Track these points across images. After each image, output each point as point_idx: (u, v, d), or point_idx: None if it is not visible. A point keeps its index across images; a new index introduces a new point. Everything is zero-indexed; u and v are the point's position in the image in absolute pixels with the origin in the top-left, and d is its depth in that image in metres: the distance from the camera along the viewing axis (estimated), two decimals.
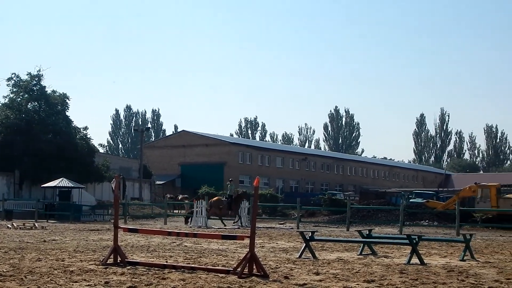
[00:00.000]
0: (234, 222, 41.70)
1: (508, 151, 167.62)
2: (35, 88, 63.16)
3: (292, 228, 38.11)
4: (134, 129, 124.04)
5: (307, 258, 17.64)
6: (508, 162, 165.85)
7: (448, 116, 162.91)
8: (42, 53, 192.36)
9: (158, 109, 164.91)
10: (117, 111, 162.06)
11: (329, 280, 12.78)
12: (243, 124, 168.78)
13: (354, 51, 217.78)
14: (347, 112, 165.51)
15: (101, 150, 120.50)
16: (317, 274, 13.80)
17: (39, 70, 63.30)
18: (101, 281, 11.93)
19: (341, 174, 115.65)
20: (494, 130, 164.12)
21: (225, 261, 16.44)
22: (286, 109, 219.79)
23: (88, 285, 11.43)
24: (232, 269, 13.72)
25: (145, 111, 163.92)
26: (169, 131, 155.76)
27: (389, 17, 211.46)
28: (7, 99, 63.10)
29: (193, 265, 14.82)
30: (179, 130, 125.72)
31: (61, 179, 51.62)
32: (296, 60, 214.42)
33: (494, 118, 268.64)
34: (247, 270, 13.17)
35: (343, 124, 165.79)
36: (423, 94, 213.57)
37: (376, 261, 17.36)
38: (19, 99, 62.97)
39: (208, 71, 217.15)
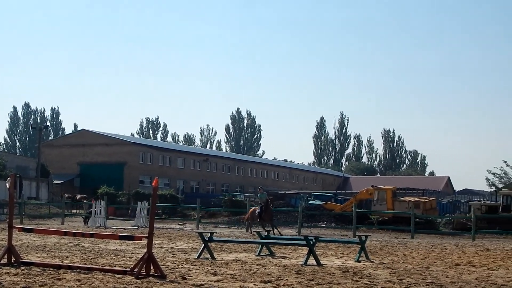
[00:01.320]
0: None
1: (404, 155, 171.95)
2: None
3: (191, 229, 38.09)
4: (32, 127, 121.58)
5: (206, 259, 17.68)
6: (404, 166, 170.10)
7: (348, 120, 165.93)
8: None
9: (58, 107, 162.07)
10: (15, 108, 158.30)
11: (226, 281, 12.85)
12: (144, 124, 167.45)
13: (255, 53, 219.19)
14: (248, 114, 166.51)
15: None
16: (215, 274, 13.85)
17: None
18: None
19: (242, 175, 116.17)
20: (391, 134, 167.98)
21: (123, 262, 16.31)
22: (188, 110, 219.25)
23: None
24: (129, 269, 13.62)
25: (44, 109, 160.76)
26: (68, 130, 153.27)
27: (290, 19, 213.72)
28: None
29: (89, 266, 14.63)
30: (79, 129, 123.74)
31: None
32: (198, 60, 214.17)
33: (391, 123, 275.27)
34: (144, 271, 13.10)
35: (245, 126, 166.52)
36: (323, 97, 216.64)
37: (274, 262, 17.55)
38: None
39: (109, 69, 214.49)
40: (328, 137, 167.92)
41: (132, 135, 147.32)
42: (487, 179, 61.39)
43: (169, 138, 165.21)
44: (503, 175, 59.50)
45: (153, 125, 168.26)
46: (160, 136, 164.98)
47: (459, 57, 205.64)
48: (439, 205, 58.71)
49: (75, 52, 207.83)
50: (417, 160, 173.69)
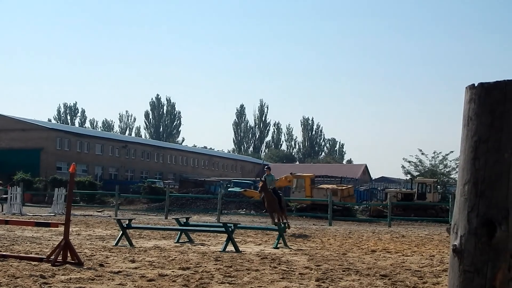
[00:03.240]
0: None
1: (323, 143, 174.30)
2: None
3: (110, 216, 37.75)
4: None
5: (124, 246, 17.59)
6: (323, 153, 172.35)
7: (267, 108, 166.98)
8: None
9: None
10: None
11: (144, 268, 12.81)
12: (62, 110, 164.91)
13: (175, 38, 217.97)
14: (168, 100, 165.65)
15: None
16: (133, 261, 13.80)
17: None
18: None
19: (161, 162, 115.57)
20: (310, 122, 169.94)
21: (39, 249, 16.07)
22: (106, 96, 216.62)
23: None
24: (45, 257, 13.45)
25: None
26: None
27: (213, 2, 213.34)
28: None
29: (4, 253, 14.36)
30: None
31: None
32: (118, 45, 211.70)
33: (310, 111, 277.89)
34: (61, 258, 12.96)
35: (164, 112, 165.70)
36: (243, 85, 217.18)
37: (193, 248, 17.58)
38: None
39: (26, 52, 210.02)
40: (248, 125, 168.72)
41: (49, 120, 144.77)
42: (403, 167, 62.58)
43: (88, 124, 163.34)
44: (419, 163, 60.74)
45: (71, 110, 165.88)
46: (78, 122, 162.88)
47: (376, 42, 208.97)
48: (357, 193, 59.65)
49: (10, 34, 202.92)
50: (335, 148, 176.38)
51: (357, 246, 20.20)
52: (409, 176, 60.00)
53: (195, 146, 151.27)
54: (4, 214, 37.67)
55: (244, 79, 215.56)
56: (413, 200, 46.85)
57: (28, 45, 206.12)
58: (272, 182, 27.00)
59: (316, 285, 11.18)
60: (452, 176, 60.32)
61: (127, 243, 17.91)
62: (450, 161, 60.80)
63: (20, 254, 14.24)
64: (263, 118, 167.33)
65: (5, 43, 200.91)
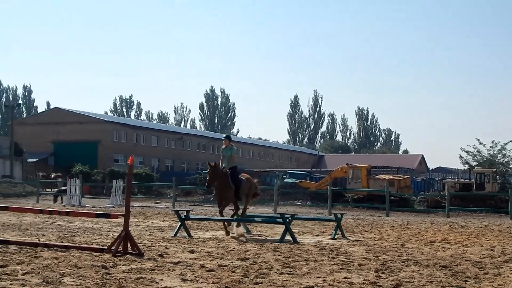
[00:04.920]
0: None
1: (378, 134, 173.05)
2: None
3: (167, 207, 38.07)
4: (5, 105, 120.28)
5: (182, 236, 17.71)
6: (378, 144, 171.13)
7: (321, 98, 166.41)
8: None
9: (30, 85, 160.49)
10: None
11: (203, 258, 12.88)
12: (118, 102, 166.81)
13: (230, 30, 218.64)
14: (222, 92, 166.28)
15: None
16: (192, 252, 13.88)
17: None
18: None
19: (217, 153, 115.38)
20: (365, 112, 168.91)
21: (100, 240, 16.29)
22: (162, 88, 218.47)
23: None
24: (106, 247, 13.62)
25: (16, 87, 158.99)
26: (41, 108, 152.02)
27: None
28: None
29: (66, 244, 14.59)
30: (51, 107, 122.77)
31: None
32: (172, 38, 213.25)
33: (365, 101, 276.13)
34: (121, 249, 13.11)
35: (219, 104, 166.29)
36: (297, 75, 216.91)
37: (251, 239, 17.61)
38: None
39: (82, 47, 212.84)
40: (302, 116, 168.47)
41: (106, 113, 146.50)
42: (461, 157, 61.60)
43: (143, 117, 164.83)
44: (477, 153, 59.70)
45: (127, 103, 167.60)
46: (134, 115, 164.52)
47: (434, 34, 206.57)
48: (414, 183, 59.20)
49: (48, 29, 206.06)
50: (391, 139, 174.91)
51: (415, 237, 20.04)
52: (467, 166, 59.20)
53: (250, 138, 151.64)
54: (64, 205, 38.28)
55: (298, 70, 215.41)
56: (472, 191, 46.29)
57: (84, 39, 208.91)
58: (231, 157, 19.95)
59: (375, 275, 11.12)
60: (511, 165, 59.30)
61: (185, 234, 18.05)
62: (509, 150, 59.83)
63: (81, 245, 14.45)
64: (318, 109, 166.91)
65: (62, 37, 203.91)
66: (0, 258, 11.93)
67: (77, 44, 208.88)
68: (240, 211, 20.17)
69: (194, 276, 10.49)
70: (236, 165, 20.19)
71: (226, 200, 19.54)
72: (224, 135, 21.15)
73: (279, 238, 17.50)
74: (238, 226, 19.37)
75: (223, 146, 20.13)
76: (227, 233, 18.61)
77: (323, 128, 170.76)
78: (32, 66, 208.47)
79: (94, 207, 37.08)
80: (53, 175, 58.47)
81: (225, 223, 19.25)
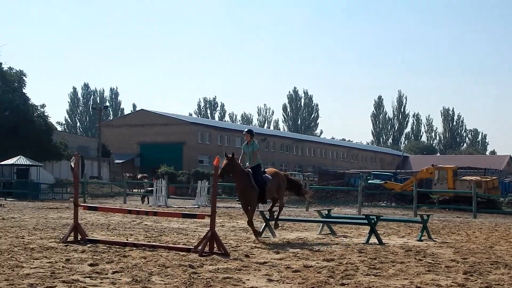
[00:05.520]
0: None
1: (464, 134, 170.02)
2: None
3: None
4: (92, 108, 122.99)
5: (267, 237, 17.75)
6: (465, 144, 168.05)
7: (406, 99, 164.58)
8: None
9: (116, 88, 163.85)
10: (74, 89, 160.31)
11: (289, 259, 12.90)
12: (202, 104, 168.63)
13: (313, 32, 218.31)
14: (306, 93, 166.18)
15: (59, 128, 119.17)
16: (278, 253, 13.92)
17: None
18: (62, 258, 11.92)
19: (300, 155, 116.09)
20: (450, 113, 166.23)
21: (186, 240, 16.49)
22: (245, 90, 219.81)
23: (49, 262, 11.40)
24: (193, 247, 13.79)
25: (103, 90, 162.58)
26: (127, 110, 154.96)
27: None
28: None
29: (153, 243, 14.83)
30: (137, 109, 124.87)
31: (18, 157, 51.02)
32: (256, 40, 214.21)
33: (450, 101, 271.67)
34: (208, 249, 13.26)
35: (302, 105, 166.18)
36: (381, 76, 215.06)
37: (335, 240, 17.56)
38: None
39: (167, 50, 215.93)
40: (387, 116, 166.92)
41: (190, 115, 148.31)
42: None
43: (227, 118, 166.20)
44: None
45: (211, 104, 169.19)
46: (218, 116, 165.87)
47: None
48: (501, 184, 57.81)
49: (133, 33, 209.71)
50: (478, 139, 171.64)
51: (504, 239, 19.58)
52: None
53: (334, 138, 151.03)
54: (150, 206, 38.86)
55: (382, 71, 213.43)
56: None
57: (169, 42, 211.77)
58: (253, 154, 17.74)
59: (463, 278, 10.94)
60: None
61: (270, 234, 18.08)
62: None
63: (168, 245, 14.65)
64: (402, 109, 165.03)
65: (147, 41, 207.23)
66: (91, 257, 12.23)
67: (161, 48, 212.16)
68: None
69: (280, 277, 10.53)
70: (260, 163, 17.83)
71: (251, 206, 17.38)
72: (246, 130, 18.54)
73: (364, 239, 17.38)
74: (275, 227, 18.36)
75: (245, 143, 18.04)
76: (257, 233, 17.21)
77: (408, 129, 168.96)
78: (118, 70, 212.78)
79: (180, 207, 37.51)
80: (139, 176, 59.42)
81: (251, 214, 17.29)
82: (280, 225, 19.65)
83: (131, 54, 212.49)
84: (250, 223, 17.13)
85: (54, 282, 9.36)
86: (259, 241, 16.59)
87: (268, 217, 18.62)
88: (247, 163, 17.47)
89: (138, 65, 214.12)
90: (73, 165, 15.65)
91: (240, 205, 18.78)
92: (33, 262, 11.43)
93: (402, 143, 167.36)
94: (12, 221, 22.53)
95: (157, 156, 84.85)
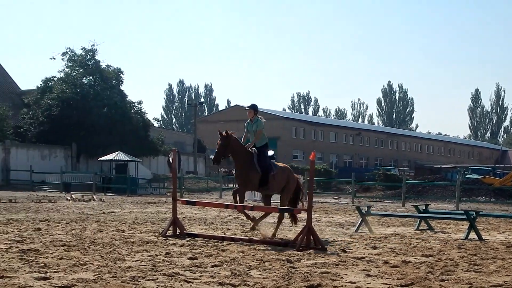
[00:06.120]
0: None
1: None
2: (89, 63, 63.98)
3: (347, 203, 38.08)
4: (188, 104, 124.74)
5: (364, 232, 17.66)
6: None
7: (504, 92, 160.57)
8: (96, 28, 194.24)
9: (211, 84, 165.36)
10: (170, 85, 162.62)
11: (387, 254, 12.80)
12: (295, 99, 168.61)
13: (407, 25, 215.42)
14: (400, 87, 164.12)
15: (156, 124, 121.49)
16: (375, 248, 13.83)
17: (93, 45, 64.32)
18: (162, 252, 12.14)
19: (395, 149, 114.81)
20: None
21: (282, 235, 16.55)
22: (338, 84, 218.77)
23: (150, 256, 11.62)
24: (290, 242, 13.85)
25: (198, 86, 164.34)
26: (221, 105, 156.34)
27: None
28: (62, 74, 64.06)
29: (251, 238, 14.94)
30: (232, 104, 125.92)
31: (117, 152, 52.27)
32: (349, 34, 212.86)
33: None
34: (304, 243, 13.28)
35: (397, 99, 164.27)
36: (478, 69, 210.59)
37: (434, 236, 17.30)
38: (74, 73, 63.89)
39: (260, 45, 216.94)
40: (484, 110, 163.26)
41: (284, 110, 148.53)
42: None
43: (320, 113, 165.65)
44: None
45: (304, 99, 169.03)
46: (312, 111, 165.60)
47: None
48: None
49: (225, 29, 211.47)
50: None
51: None
52: None
53: (429, 133, 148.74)
54: (246, 200, 39.09)
55: (479, 63, 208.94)
56: None
57: (261, 37, 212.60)
58: (258, 133, 15.88)
59: None
60: None
61: (366, 229, 17.98)
62: None
63: (266, 239, 14.74)
64: (500, 103, 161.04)
65: (240, 37, 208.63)
66: (190, 251, 12.42)
67: (254, 43, 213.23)
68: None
69: (378, 272, 10.45)
70: (267, 143, 16.06)
71: (248, 185, 15.64)
72: (249, 105, 16.61)
73: (463, 235, 17.07)
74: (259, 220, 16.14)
75: (248, 120, 16.30)
76: (252, 228, 15.88)
77: (506, 122, 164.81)
78: (212, 66, 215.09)
79: (274, 202, 37.60)
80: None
81: (240, 199, 15.82)
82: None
83: (226, 51, 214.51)
84: (238, 200, 15.74)
85: (155, 275, 9.55)
86: (255, 228, 15.62)
87: (364, 211, 18.48)
88: (250, 144, 15.84)
89: (232, 61, 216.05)
90: (171, 160, 15.87)
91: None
92: (134, 255, 11.68)
93: (501, 137, 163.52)
94: (112, 215, 23.10)
95: None
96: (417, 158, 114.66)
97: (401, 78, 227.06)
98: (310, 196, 14.12)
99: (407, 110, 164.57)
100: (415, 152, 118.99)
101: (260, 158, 15.49)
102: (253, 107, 16.19)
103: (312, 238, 13.43)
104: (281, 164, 16.58)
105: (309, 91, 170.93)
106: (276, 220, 16.74)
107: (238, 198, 15.82)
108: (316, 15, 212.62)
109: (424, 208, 20.78)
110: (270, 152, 16.18)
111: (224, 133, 15.24)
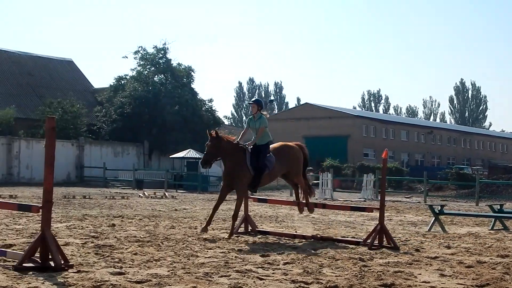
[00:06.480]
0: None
1: None
2: (161, 61, 64.81)
3: (419, 202, 37.66)
4: None
5: (437, 232, 17.44)
6: None
7: None
8: (167, 26, 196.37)
9: (281, 82, 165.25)
10: (240, 83, 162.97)
11: (461, 254, 12.60)
12: (366, 97, 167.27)
13: (480, 22, 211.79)
14: (473, 84, 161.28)
15: (226, 122, 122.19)
16: (449, 247, 13.64)
17: (165, 44, 65.05)
18: (234, 249, 12.21)
19: (468, 148, 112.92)
20: None
21: (354, 233, 16.46)
22: (409, 82, 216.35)
23: (222, 252, 11.70)
24: (362, 240, 13.77)
25: (268, 84, 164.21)
26: (291, 103, 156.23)
27: None
28: (134, 72, 65.05)
29: (322, 236, 14.90)
30: (301, 102, 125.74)
31: (188, 150, 52.74)
32: (421, 31, 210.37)
33: None
34: (377, 242, 13.20)
35: (469, 97, 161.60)
36: None
37: (509, 236, 16.95)
38: (146, 72, 64.84)
39: (331, 43, 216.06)
40: None
41: (354, 108, 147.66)
42: None
43: (391, 111, 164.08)
44: None
45: (375, 97, 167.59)
46: (382, 109, 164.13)
47: None
48: None
49: (296, 28, 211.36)
50: None
51: None
52: None
53: (503, 131, 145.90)
54: (316, 199, 39.07)
55: None
56: None
57: (331, 37, 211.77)
58: (260, 130, 14.68)
59: None
60: None
61: (439, 229, 17.75)
62: None
63: (337, 237, 14.69)
64: None
65: (310, 34, 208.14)
66: (262, 248, 12.46)
67: (323, 41, 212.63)
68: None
69: (453, 272, 10.30)
70: (269, 142, 14.88)
71: (238, 190, 14.70)
72: (253, 99, 15.39)
73: None
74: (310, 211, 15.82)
75: (250, 117, 15.13)
76: (227, 233, 14.89)
77: None
78: (282, 63, 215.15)
79: (346, 200, 37.52)
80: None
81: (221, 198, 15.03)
82: (313, 209, 16.52)
83: (296, 48, 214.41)
84: (235, 216, 14.74)
85: (228, 272, 9.61)
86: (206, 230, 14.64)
87: (437, 211, 18.24)
88: (249, 143, 14.73)
89: (302, 58, 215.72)
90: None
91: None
92: (207, 251, 11.77)
93: None
94: (184, 212, 23.35)
95: (322, 149, 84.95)
96: (491, 157, 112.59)
97: (474, 75, 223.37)
98: (382, 195, 14.03)
99: (480, 108, 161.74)
100: (489, 151, 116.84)
101: (254, 157, 14.42)
102: (257, 102, 15.04)
103: (384, 237, 13.33)
104: (278, 144, 15.42)
105: (379, 89, 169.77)
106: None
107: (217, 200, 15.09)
108: (387, 12, 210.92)
109: (498, 208, 20.40)
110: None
111: (213, 133, 14.35)
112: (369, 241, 13.27)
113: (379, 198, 15.42)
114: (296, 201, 15.87)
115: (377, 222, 13.70)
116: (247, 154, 14.41)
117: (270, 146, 14.93)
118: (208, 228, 14.80)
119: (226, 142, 14.41)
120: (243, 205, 15.25)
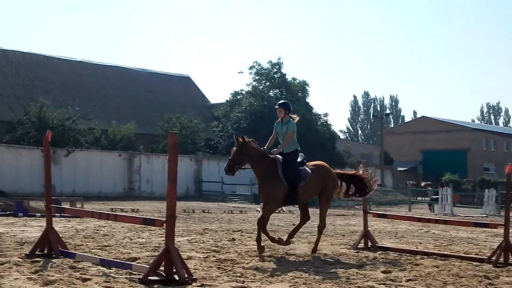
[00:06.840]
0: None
1: None
2: (276, 76, 65.29)
3: None
4: (373, 116, 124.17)
5: None
6: None
7: None
8: (281, 41, 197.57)
9: (396, 95, 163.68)
10: (355, 97, 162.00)
11: None
12: (485, 110, 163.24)
13: None
14: None
15: (341, 136, 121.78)
16: None
17: (279, 58, 65.55)
18: (354, 265, 12.14)
19: None
20: None
21: (477, 250, 16.04)
22: None
23: (343, 268, 11.64)
24: (486, 257, 13.41)
25: (383, 97, 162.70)
26: (408, 117, 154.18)
27: None
28: (250, 87, 65.81)
29: (445, 252, 14.62)
30: (418, 116, 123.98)
31: None
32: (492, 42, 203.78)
33: None
34: (502, 260, 12.83)
35: None
36: None
37: None
38: (261, 86, 65.44)
39: (447, 56, 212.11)
40: None
41: (473, 121, 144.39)
42: None
43: None
44: None
45: (494, 110, 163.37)
46: (502, 122, 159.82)
47: None
48: None
49: (410, 38, 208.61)
50: None
51: None
52: None
53: None
54: (436, 214, 38.41)
55: None
56: None
57: (435, 49, 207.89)
58: (287, 136, 13.78)
59: None
60: None
61: None
62: None
63: (460, 254, 14.37)
64: None
65: (428, 50, 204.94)
66: (383, 264, 12.32)
67: (441, 53, 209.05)
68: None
69: None
70: (297, 149, 13.89)
71: (270, 203, 13.38)
72: (279, 102, 14.41)
73: None
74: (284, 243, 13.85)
75: (278, 120, 14.03)
76: (260, 249, 13.14)
77: None
78: (398, 77, 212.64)
79: (466, 216, 36.69)
80: (423, 183, 58.97)
81: (261, 233, 13.18)
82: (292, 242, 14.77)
83: (410, 61, 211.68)
84: (260, 224, 13.18)
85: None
86: (259, 248, 13.12)
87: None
88: (275, 150, 13.70)
89: (418, 72, 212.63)
90: (361, 172, 15.79)
91: None
92: (328, 267, 11.74)
93: None
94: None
95: (440, 163, 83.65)
96: None
97: None
98: (507, 210, 13.62)
99: None
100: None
101: (287, 167, 13.24)
102: (285, 105, 13.89)
103: (510, 254, 12.94)
104: (313, 164, 14.21)
105: (499, 101, 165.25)
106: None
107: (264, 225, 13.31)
108: (508, 22, 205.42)
109: None
110: (299, 158, 13.83)
111: (240, 139, 13.03)
112: (494, 258, 12.91)
113: (503, 214, 14.99)
114: (290, 234, 14.61)
115: (502, 238, 13.32)
116: (278, 163, 13.29)
117: (310, 163, 14.10)
118: (262, 248, 13.18)
119: (253, 149, 13.16)
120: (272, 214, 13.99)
